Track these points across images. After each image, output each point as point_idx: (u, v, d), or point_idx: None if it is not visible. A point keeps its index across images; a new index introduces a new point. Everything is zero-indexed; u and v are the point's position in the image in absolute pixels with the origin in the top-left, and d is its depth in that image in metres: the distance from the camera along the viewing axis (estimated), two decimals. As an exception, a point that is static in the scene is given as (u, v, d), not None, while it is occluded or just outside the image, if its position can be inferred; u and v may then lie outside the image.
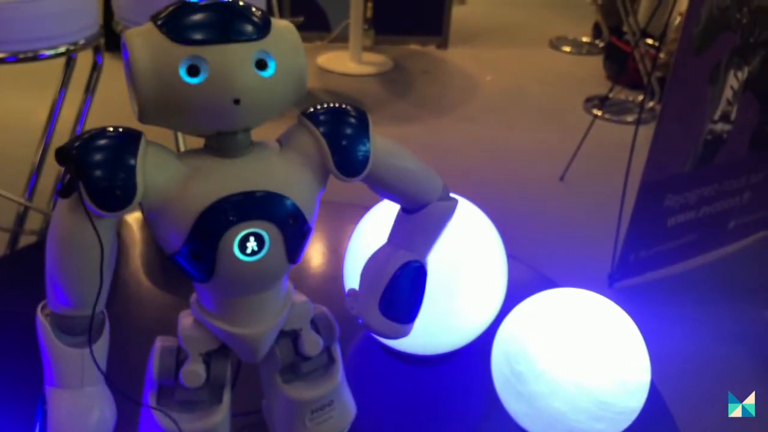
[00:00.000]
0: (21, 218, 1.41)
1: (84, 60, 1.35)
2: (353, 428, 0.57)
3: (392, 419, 0.64)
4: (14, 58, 1.12)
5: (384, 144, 0.46)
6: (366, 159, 0.45)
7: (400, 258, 0.50)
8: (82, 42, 1.20)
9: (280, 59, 0.40)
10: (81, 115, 1.39)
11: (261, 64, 0.39)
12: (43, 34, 1.13)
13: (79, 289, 0.42)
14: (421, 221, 0.51)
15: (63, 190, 0.39)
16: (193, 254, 0.42)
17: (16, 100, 2.35)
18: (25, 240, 1.44)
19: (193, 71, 0.38)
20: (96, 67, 1.38)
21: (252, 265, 0.42)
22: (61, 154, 0.38)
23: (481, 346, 0.68)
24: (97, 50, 1.34)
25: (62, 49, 1.17)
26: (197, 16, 0.38)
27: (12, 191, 1.36)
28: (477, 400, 0.68)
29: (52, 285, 0.42)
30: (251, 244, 0.42)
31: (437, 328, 0.66)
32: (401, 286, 0.50)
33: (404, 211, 0.51)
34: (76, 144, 0.39)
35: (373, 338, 0.72)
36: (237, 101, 0.38)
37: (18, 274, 0.84)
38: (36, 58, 1.14)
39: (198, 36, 0.38)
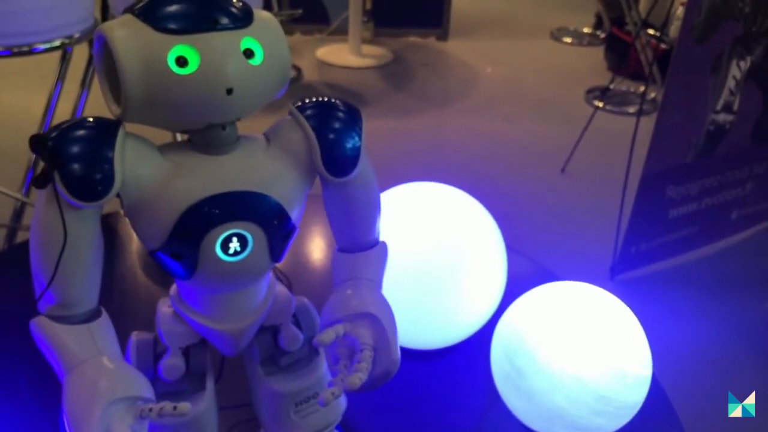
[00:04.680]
0: (18, 214, 1.40)
1: (80, 54, 1.34)
2: (352, 423, 0.56)
3: (391, 414, 0.64)
4: (8, 52, 1.11)
5: (368, 165, 0.46)
6: (356, 159, 0.43)
7: (371, 285, 0.48)
8: (77, 35, 1.19)
9: (267, 47, 0.39)
10: (77, 110, 1.39)
11: (248, 53, 0.38)
12: (38, 28, 1.13)
13: (65, 285, 0.40)
14: (365, 256, 0.49)
15: (37, 179, 0.37)
16: (173, 254, 0.40)
17: (12, 95, 2.34)
18: (23, 236, 1.44)
19: (181, 62, 0.36)
20: (92, 61, 1.37)
21: (234, 264, 0.42)
22: (35, 142, 0.36)
23: (480, 341, 0.67)
24: (92, 44, 1.33)
25: (57, 43, 1.16)
26: (181, 4, 0.37)
27: (9, 187, 1.35)
28: (477, 395, 0.67)
29: (38, 283, 0.40)
30: (234, 245, 0.41)
31: (436, 322, 0.65)
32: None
33: (343, 250, 0.50)
34: (52, 134, 0.37)
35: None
36: (230, 91, 0.37)
37: (15, 269, 0.83)
38: (31, 52, 1.13)
39: (185, 25, 0.36)
